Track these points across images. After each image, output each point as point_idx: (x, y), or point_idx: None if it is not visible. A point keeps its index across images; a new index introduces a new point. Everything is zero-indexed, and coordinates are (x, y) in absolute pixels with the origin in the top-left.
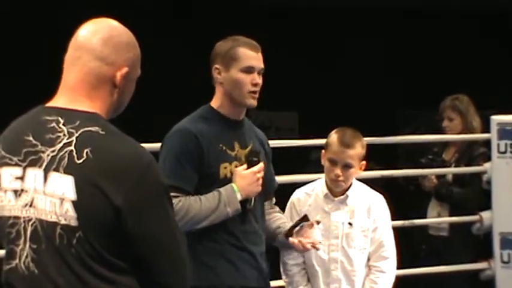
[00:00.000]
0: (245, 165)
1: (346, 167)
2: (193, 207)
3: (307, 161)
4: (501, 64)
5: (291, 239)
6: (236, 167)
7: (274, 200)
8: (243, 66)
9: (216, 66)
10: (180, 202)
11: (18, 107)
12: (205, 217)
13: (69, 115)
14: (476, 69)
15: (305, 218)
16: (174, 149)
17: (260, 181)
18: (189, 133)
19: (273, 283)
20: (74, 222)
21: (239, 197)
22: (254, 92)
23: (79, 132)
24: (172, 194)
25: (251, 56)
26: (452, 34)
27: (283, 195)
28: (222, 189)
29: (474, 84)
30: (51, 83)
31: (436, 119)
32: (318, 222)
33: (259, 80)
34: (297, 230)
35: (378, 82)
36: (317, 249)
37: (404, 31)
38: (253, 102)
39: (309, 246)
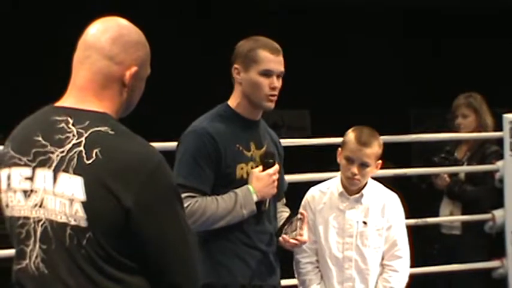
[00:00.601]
0: (261, 167)
1: (363, 165)
2: (209, 207)
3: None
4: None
5: (280, 238)
6: (252, 167)
7: (284, 200)
8: (261, 69)
9: (236, 66)
10: (197, 202)
11: (24, 106)
12: (221, 218)
13: (79, 115)
14: (484, 67)
15: (291, 216)
16: (191, 150)
17: (276, 183)
18: (207, 133)
19: (286, 281)
20: (83, 223)
21: (255, 198)
22: (272, 95)
23: (88, 132)
24: (189, 194)
25: (271, 59)
26: (460, 33)
27: (296, 194)
28: (238, 191)
29: (481, 82)
30: (52, 85)
31: (448, 118)
32: (302, 214)
33: (277, 83)
34: (286, 228)
35: (390, 81)
36: (302, 242)
37: (412, 30)
38: (270, 105)
39: (292, 241)
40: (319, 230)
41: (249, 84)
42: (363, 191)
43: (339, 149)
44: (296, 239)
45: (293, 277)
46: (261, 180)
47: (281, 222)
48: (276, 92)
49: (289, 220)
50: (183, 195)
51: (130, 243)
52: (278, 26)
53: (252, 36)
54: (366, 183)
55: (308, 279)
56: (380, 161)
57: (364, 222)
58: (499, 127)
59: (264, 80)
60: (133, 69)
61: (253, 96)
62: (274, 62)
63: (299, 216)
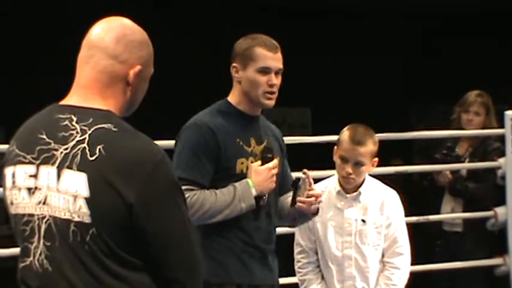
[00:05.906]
0: (260, 162)
1: (357, 164)
2: (208, 200)
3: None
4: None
5: (297, 206)
6: (252, 162)
7: None
8: (259, 66)
9: (234, 64)
10: (195, 195)
11: (29, 106)
12: (219, 211)
13: (82, 113)
14: (483, 66)
15: (295, 183)
16: (191, 142)
17: (274, 178)
18: (206, 127)
19: (286, 280)
20: (87, 219)
21: (254, 192)
22: (270, 93)
23: (92, 129)
24: (188, 187)
25: (268, 56)
26: (454, 32)
27: None
28: (237, 184)
29: (480, 80)
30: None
31: (456, 110)
32: (305, 173)
33: (275, 80)
34: (298, 194)
35: (391, 78)
36: (317, 195)
37: (409, 30)
38: (268, 103)
39: (308, 199)
40: (318, 229)
41: (247, 82)
42: (361, 189)
43: (335, 147)
44: (310, 195)
45: (294, 276)
46: (260, 174)
47: (289, 194)
48: (275, 89)
49: (295, 186)
50: (182, 188)
51: (133, 239)
52: (280, 25)
53: (250, 35)
54: (364, 181)
55: (308, 279)
56: (376, 159)
57: (363, 220)
58: (501, 124)
59: (261, 77)
60: (137, 68)
61: (251, 94)
62: (272, 59)
63: (303, 177)
